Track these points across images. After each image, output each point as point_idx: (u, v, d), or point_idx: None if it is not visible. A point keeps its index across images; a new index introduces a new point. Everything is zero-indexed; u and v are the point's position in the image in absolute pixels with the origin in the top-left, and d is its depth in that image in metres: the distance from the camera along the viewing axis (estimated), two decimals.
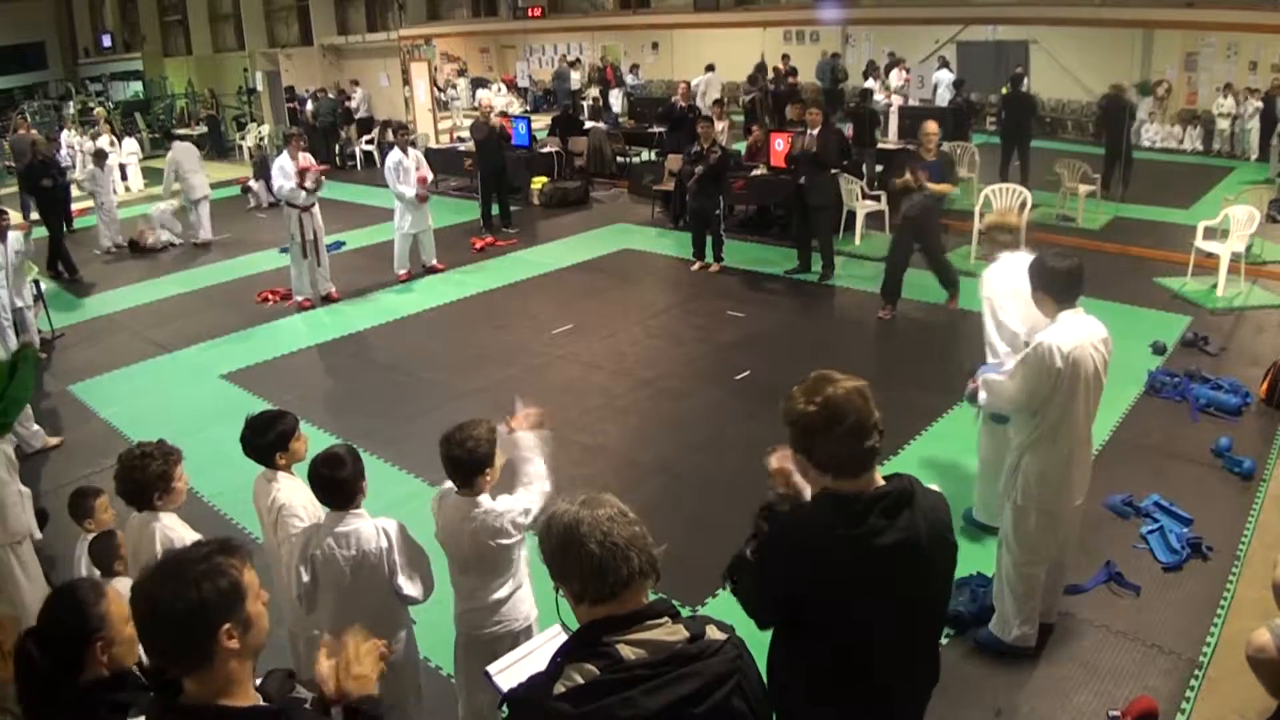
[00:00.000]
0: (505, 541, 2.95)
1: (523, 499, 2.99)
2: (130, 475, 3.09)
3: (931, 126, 7.90)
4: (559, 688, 1.59)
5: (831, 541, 2.03)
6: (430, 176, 9.89)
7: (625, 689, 1.57)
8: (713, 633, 1.71)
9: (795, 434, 2.10)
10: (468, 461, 2.91)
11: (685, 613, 4.44)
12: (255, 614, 1.68)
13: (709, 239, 9.62)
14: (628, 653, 1.60)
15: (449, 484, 3.04)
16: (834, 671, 2.14)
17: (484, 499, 2.97)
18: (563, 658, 1.64)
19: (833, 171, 9.33)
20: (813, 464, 2.09)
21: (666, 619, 1.68)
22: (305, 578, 2.98)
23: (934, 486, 2.20)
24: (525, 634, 3.06)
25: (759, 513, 2.30)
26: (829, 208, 9.20)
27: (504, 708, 1.72)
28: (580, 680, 1.58)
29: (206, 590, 1.60)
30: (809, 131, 8.85)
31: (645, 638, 1.63)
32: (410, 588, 3.00)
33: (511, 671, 2.53)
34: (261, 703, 1.72)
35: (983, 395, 3.75)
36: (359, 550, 2.91)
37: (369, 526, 2.95)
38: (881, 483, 2.10)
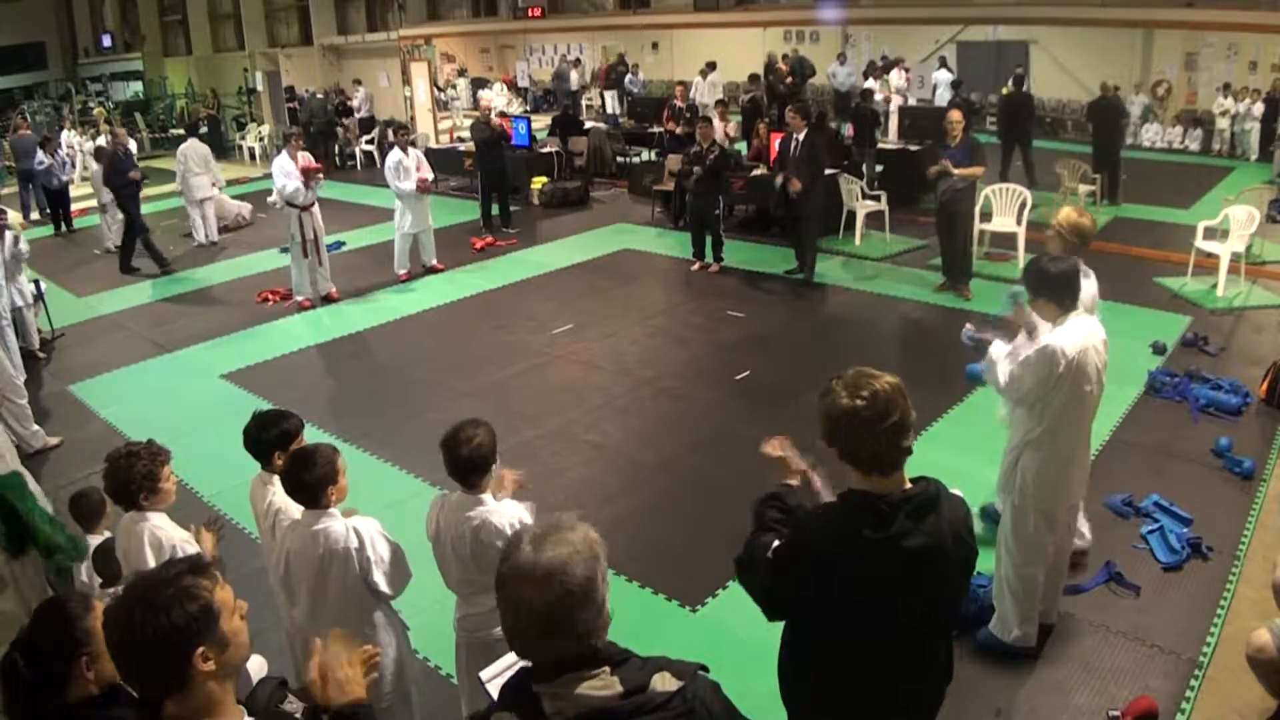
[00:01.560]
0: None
1: (528, 516, 2.99)
2: (116, 475, 3.08)
3: (954, 115, 8.26)
4: None
5: (857, 543, 2.02)
6: (431, 177, 9.90)
7: None
8: (662, 683, 1.53)
9: (837, 429, 2.05)
10: (471, 461, 2.92)
11: (684, 614, 4.40)
12: (232, 631, 1.64)
13: (709, 239, 9.61)
14: (549, 707, 1.50)
15: (451, 489, 3.03)
16: (849, 670, 2.14)
17: (488, 498, 2.98)
18: (498, 701, 1.59)
19: (829, 172, 9.28)
20: (849, 460, 2.07)
21: (604, 670, 1.51)
22: (280, 572, 3.01)
23: (957, 490, 2.21)
24: None
25: (763, 502, 2.29)
26: (815, 214, 8.98)
27: None
28: None
29: (176, 615, 1.56)
30: (794, 136, 8.72)
31: (568, 691, 1.50)
32: (383, 584, 3.00)
33: (503, 678, 2.54)
34: (246, 719, 1.69)
35: (986, 365, 3.70)
36: (327, 549, 2.91)
37: (339, 526, 2.95)
38: (908, 484, 2.10)
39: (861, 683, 2.14)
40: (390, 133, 15.24)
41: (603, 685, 1.50)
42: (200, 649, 1.58)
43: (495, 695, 2.44)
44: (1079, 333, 3.43)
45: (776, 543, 2.16)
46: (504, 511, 2.95)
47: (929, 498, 2.06)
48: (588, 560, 1.51)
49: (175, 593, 1.59)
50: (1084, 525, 4.39)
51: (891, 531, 2.01)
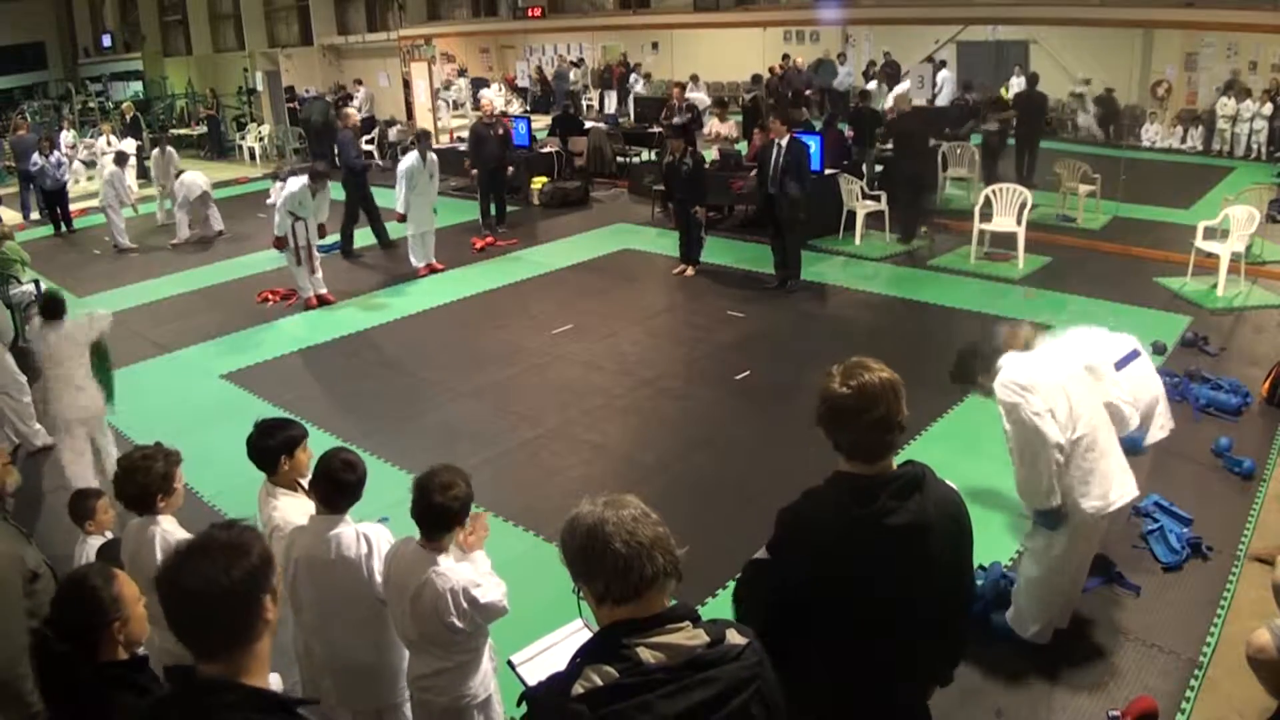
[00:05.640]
0: (448, 616, 2.72)
1: (483, 580, 2.82)
2: (133, 478, 3.07)
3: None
4: (578, 688, 1.59)
5: (843, 519, 2.08)
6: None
7: (643, 693, 1.57)
8: (733, 637, 1.70)
9: (823, 413, 2.13)
10: (444, 513, 2.75)
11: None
12: (278, 588, 1.69)
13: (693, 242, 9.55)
14: (647, 656, 1.61)
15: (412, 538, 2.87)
16: (838, 652, 2.16)
17: (444, 560, 2.78)
18: (583, 658, 1.64)
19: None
20: (834, 445, 2.14)
21: (687, 623, 1.67)
22: (289, 579, 2.96)
23: (949, 482, 2.25)
24: (483, 707, 2.95)
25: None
26: (797, 222, 8.79)
27: (521, 705, 1.71)
28: (599, 682, 1.58)
29: (251, 560, 1.61)
30: (777, 143, 8.51)
31: (665, 641, 1.63)
32: (383, 592, 2.95)
33: (535, 663, 2.53)
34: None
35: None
36: (339, 555, 2.89)
37: (350, 532, 2.93)
38: (894, 468, 2.15)
39: (848, 663, 2.16)
40: (391, 132, 15.22)
41: (692, 636, 1.65)
42: (266, 595, 1.63)
43: (527, 679, 2.45)
44: (1028, 364, 3.47)
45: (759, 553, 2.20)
46: (453, 577, 2.74)
47: (913, 478, 2.12)
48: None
49: (241, 539, 1.63)
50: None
51: (873, 509, 2.06)
